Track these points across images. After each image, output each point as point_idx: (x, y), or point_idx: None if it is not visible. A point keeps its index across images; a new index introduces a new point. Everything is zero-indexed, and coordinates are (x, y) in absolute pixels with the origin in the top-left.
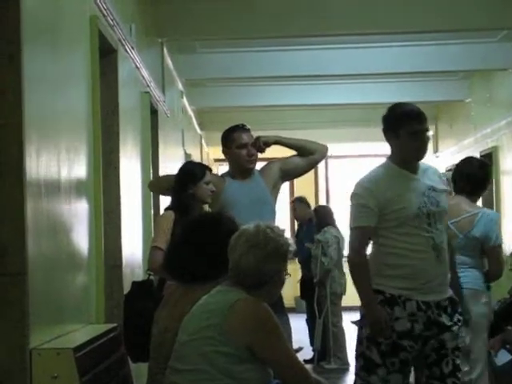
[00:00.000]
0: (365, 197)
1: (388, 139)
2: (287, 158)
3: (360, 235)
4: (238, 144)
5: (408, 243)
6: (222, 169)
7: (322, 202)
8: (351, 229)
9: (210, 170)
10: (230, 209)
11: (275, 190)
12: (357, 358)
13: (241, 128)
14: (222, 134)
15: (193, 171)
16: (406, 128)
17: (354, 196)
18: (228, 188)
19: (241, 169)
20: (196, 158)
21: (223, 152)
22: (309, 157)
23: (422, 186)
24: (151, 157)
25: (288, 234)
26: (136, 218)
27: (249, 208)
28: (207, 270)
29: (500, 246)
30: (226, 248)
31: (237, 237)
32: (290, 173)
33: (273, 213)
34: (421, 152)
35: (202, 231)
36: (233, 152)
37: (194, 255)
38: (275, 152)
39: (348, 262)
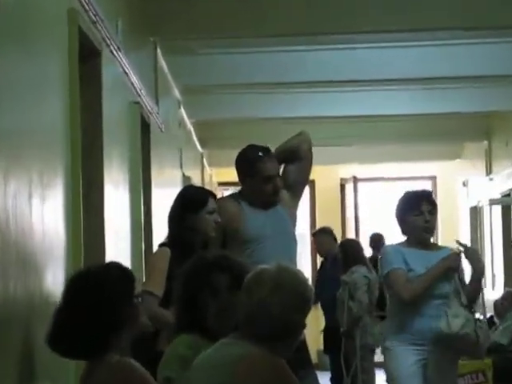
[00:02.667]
0: None
1: None
2: (281, 175)
3: None
4: (263, 177)
5: None
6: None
7: (351, 234)
8: None
9: (215, 196)
10: (255, 243)
11: (293, 219)
12: None
13: (266, 155)
14: (239, 156)
15: (193, 198)
16: None
17: None
18: (251, 219)
19: (262, 201)
20: (197, 181)
21: (240, 179)
22: (295, 156)
23: None
24: (142, 181)
25: (308, 273)
26: (123, 256)
27: (275, 242)
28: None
29: None
30: (118, 308)
31: (255, 278)
32: (294, 188)
33: (296, 246)
34: None
35: (86, 289)
36: (256, 184)
37: (80, 321)
38: None
39: None
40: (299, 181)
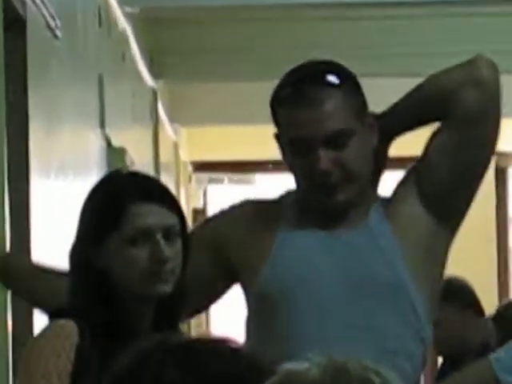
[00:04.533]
0: None
1: None
2: (423, 153)
3: None
4: (289, 138)
5: None
6: (218, 190)
7: None
8: None
9: (159, 193)
10: (285, 306)
11: (429, 260)
12: None
13: (301, 85)
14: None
15: (104, 203)
16: None
17: None
18: (283, 249)
19: (313, 202)
20: (142, 159)
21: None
22: (450, 116)
23: None
24: (8, 161)
25: None
26: None
27: (345, 312)
28: None
29: None
30: None
31: None
32: (445, 194)
33: (415, 328)
34: None
35: None
36: (286, 159)
37: None
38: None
39: None
40: (462, 176)
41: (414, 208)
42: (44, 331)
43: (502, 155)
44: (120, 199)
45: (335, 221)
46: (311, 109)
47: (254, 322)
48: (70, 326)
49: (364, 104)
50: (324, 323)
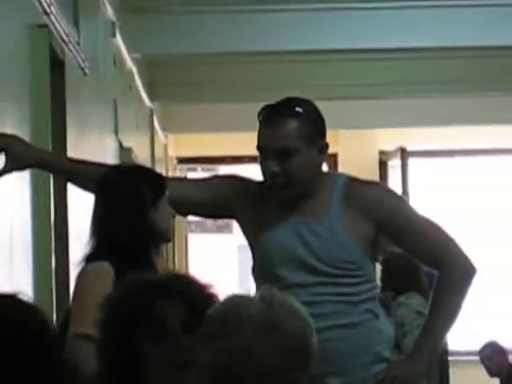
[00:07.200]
0: None
1: None
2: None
3: None
4: (256, 146)
5: None
6: (194, 176)
7: None
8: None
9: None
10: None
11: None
12: None
13: (273, 112)
14: None
15: (153, 180)
16: None
17: None
18: (274, 230)
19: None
20: (143, 156)
21: None
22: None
23: None
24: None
25: None
26: (18, 283)
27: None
28: None
29: None
30: None
31: (230, 314)
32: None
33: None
34: None
35: None
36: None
37: None
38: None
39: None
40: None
41: (364, 224)
42: (88, 270)
43: (383, 152)
44: (159, 175)
45: (301, 209)
46: (272, 129)
47: (257, 264)
48: (107, 267)
49: (318, 133)
50: (289, 276)
